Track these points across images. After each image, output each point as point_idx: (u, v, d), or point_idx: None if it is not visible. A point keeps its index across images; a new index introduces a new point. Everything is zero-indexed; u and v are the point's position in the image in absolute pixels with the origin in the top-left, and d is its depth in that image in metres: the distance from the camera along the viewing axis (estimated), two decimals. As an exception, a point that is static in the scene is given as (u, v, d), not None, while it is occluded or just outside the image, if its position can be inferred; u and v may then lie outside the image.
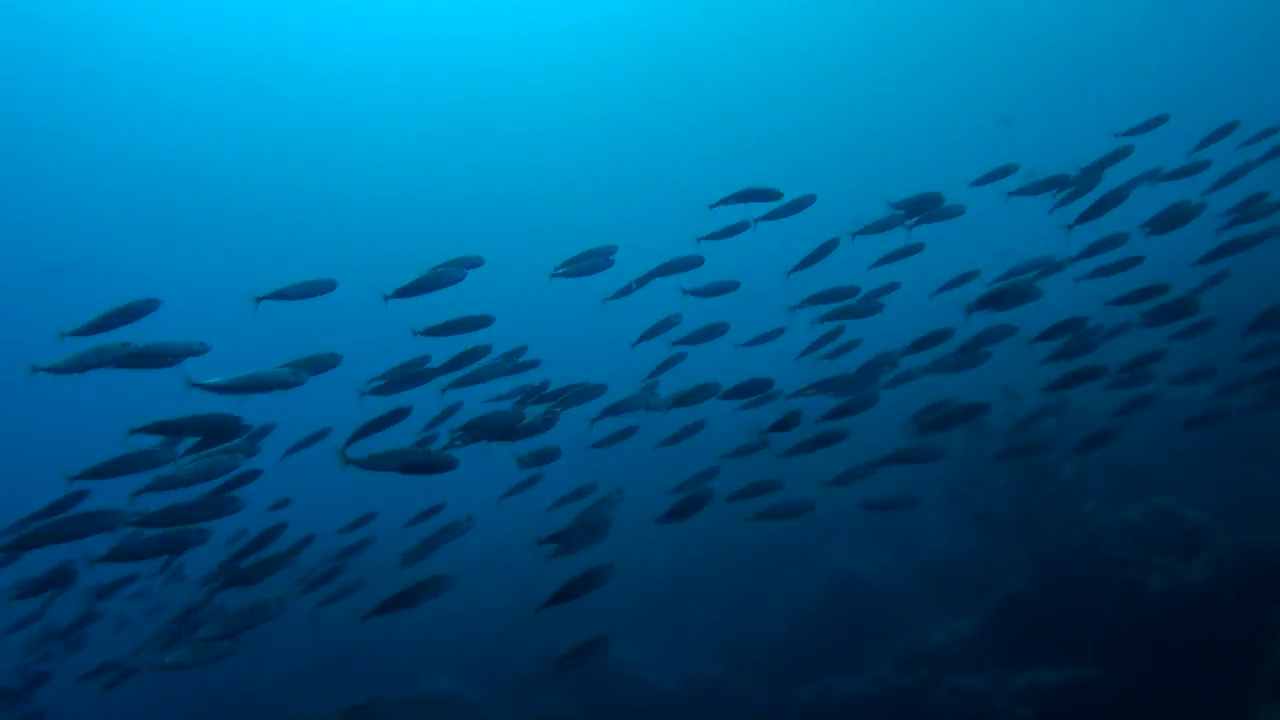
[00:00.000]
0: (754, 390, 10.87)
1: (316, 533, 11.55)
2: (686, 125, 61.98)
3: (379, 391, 9.18)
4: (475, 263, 9.45)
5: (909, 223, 10.57)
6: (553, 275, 10.17)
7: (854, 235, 10.70)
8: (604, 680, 17.47)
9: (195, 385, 7.60)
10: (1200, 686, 10.47)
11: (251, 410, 8.21)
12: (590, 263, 10.20)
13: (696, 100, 61.36)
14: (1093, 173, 10.66)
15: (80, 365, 7.50)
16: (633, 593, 18.84)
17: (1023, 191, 11.04)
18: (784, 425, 9.60)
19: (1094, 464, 14.06)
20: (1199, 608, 11.06)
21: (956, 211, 10.65)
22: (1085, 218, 10.49)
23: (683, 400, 10.19)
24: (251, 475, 9.03)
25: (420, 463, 8.10)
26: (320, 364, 8.61)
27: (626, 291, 10.86)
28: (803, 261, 10.84)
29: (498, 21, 59.20)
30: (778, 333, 12.05)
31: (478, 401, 10.38)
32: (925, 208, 10.50)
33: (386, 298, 9.24)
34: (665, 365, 11.53)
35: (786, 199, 10.67)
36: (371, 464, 7.88)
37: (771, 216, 10.77)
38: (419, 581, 8.35)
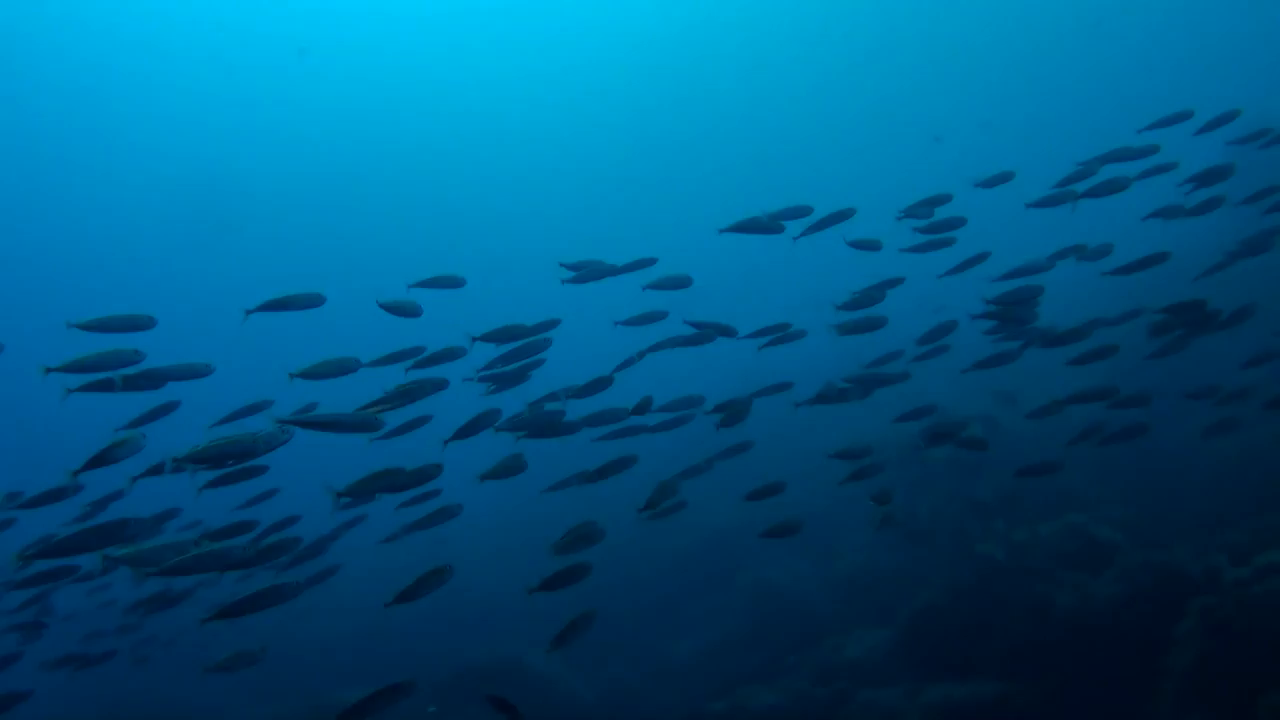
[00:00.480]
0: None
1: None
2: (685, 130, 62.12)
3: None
4: (316, 300, 9.46)
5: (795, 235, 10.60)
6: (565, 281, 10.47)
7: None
8: (521, 691, 17.26)
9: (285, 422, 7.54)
10: (1105, 701, 10.64)
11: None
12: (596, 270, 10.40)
13: (694, 106, 61.49)
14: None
15: (82, 367, 8.00)
16: (550, 604, 18.68)
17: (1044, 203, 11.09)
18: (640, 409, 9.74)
19: (1011, 481, 14.26)
20: (1105, 624, 11.24)
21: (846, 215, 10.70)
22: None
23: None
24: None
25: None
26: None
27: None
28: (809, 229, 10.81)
29: (520, 27, 59.55)
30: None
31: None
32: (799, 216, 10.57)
33: (247, 312, 9.30)
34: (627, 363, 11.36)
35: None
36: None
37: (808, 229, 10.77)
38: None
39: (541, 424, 9.97)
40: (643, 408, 9.98)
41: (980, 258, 11.43)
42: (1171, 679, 9.89)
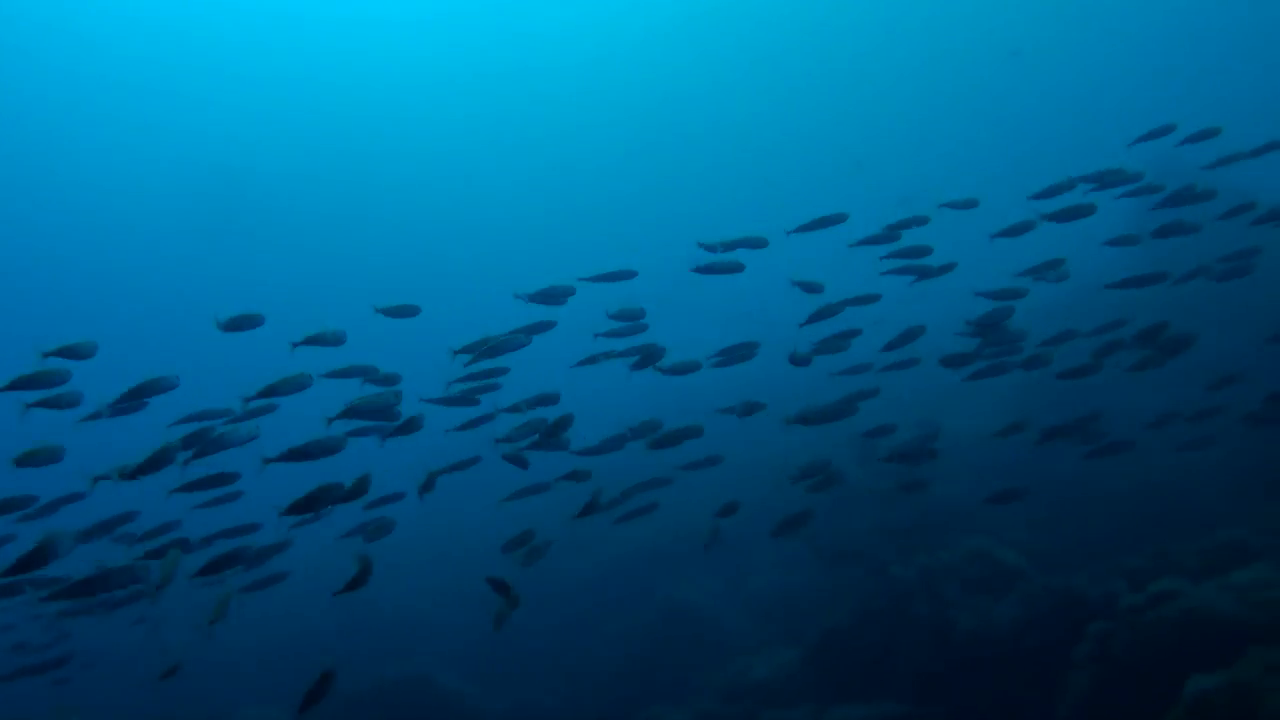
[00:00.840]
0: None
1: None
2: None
3: None
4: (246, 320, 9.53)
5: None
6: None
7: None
8: (427, 708, 17.03)
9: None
10: (1004, 724, 10.77)
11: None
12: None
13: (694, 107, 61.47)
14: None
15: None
16: (460, 619, 18.50)
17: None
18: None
19: (920, 503, 14.41)
20: (1006, 647, 11.37)
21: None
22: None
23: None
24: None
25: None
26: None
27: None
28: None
29: (522, 30, 59.02)
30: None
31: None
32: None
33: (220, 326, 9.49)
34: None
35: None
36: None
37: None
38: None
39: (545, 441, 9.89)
40: (557, 429, 9.79)
41: (948, 268, 11.48)
42: (1067, 702, 10.03)
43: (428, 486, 9.78)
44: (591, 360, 10.70)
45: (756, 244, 10.58)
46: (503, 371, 10.52)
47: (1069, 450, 14.81)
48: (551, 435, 9.81)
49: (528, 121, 63.60)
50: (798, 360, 10.47)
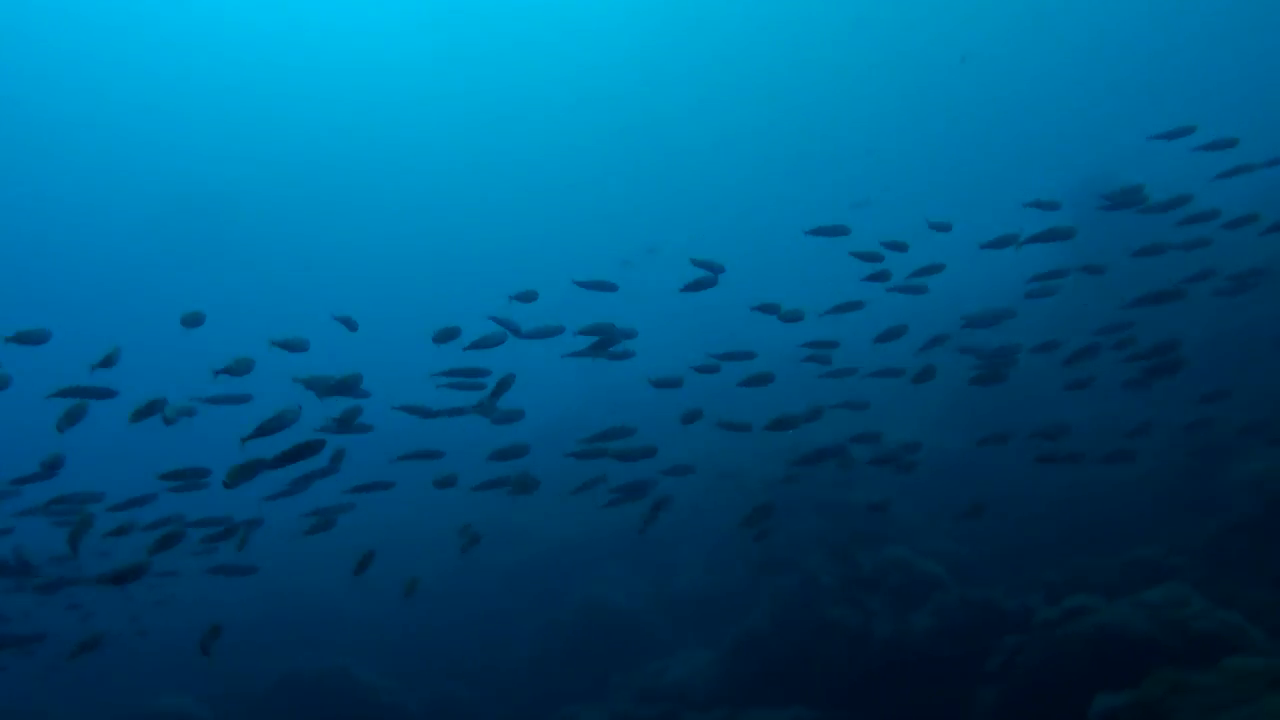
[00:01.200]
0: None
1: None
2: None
3: None
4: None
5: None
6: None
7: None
8: (344, 701, 16.67)
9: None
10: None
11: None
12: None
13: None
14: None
15: None
16: (379, 612, 18.19)
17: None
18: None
19: (845, 509, 14.37)
20: (921, 656, 11.31)
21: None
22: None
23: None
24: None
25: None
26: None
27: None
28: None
29: (510, 31, 58.35)
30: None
31: None
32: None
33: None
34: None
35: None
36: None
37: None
38: None
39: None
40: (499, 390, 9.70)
41: (936, 268, 11.61)
42: (977, 714, 9.98)
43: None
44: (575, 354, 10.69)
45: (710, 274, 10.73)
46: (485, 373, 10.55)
47: (999, 459, 14.92)
48: (496, 395, 9.75)
49: (507, 128, 63.25)
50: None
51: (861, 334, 11.98)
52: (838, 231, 11.35)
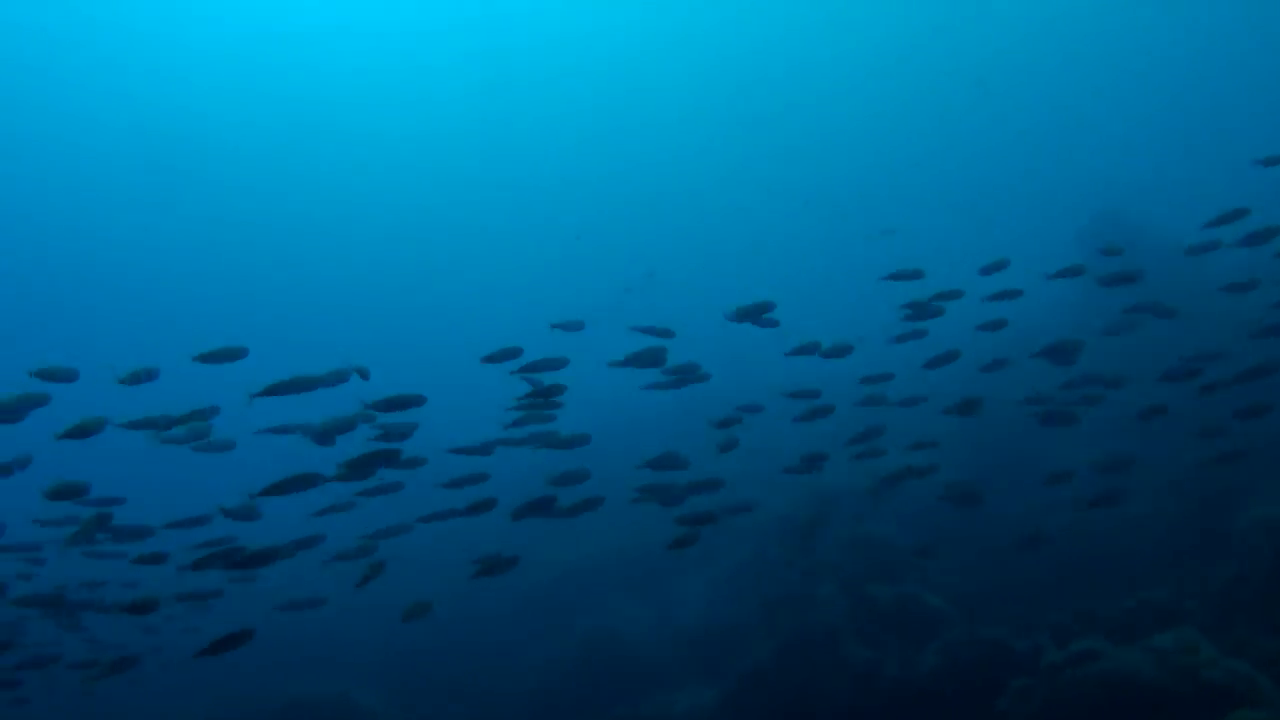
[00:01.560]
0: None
1: None
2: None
3: None
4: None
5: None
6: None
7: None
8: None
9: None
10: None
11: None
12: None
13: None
14: None
15: None
16: (381, 636, 18.11)
17: None
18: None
19: (848, 541, 14.32)
20: (928, 695, 11.25)
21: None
22: None
23: None
24: None
25: None
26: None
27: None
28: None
29: (501, 29, 58.07)
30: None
31: None
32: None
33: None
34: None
35: None
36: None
37: None
38: None
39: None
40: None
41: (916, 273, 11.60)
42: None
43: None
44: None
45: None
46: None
47: (1004, 495, 14.84)
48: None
49: (508, 129, 63.28)
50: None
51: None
52: (915, 275, 11.38)
